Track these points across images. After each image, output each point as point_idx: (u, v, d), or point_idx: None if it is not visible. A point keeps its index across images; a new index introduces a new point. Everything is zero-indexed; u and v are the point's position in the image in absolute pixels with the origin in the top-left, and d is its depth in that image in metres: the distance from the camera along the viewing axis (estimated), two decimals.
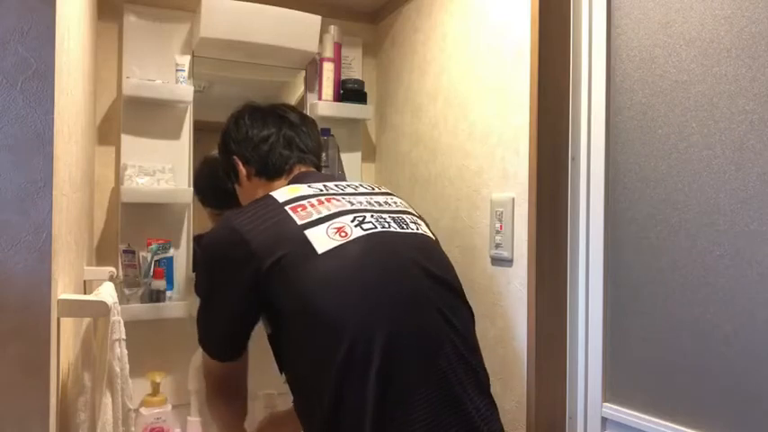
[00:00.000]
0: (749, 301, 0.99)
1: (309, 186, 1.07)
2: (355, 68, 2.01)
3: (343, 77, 1.91)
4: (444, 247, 1.13)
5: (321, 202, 1.02)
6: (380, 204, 1.08)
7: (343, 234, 0.97)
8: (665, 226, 1.12)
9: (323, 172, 1.32)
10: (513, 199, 1.35)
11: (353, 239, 0.97)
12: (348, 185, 1.11)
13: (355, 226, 0.99)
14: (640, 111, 1.18)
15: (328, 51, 1.87)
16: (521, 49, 1.34)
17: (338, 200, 1.04)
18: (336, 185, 1.10)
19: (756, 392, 0.98)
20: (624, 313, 1.21)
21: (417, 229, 1.07)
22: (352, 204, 1.04)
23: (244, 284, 0.98)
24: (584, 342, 1.29)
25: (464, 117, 1.55)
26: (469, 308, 1.07)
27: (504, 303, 1.38)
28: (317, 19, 1.75)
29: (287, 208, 1.00)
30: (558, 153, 1.30)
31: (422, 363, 0.92)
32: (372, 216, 1.03)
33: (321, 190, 1.07)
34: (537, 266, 1.28)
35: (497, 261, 1.41)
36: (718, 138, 1.04)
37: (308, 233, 0.96)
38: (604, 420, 1.24)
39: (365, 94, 1.94)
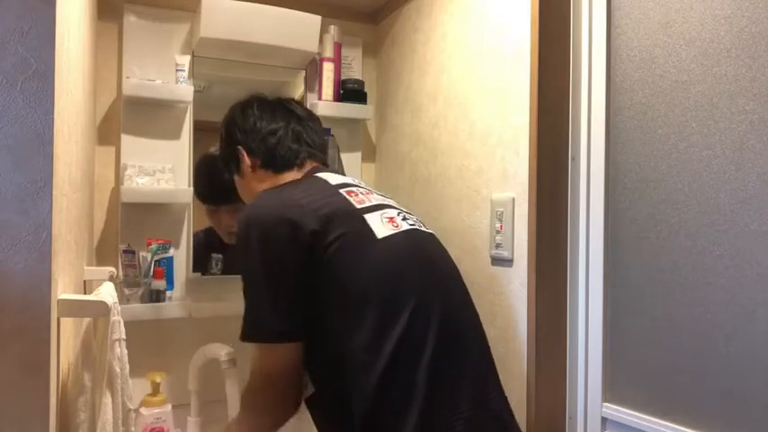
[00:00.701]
0: (749, 301, 0.99)
1: (346, 177, 1.13)
2: (355, 68, 2.01)
3: (343, 77, 1.91)
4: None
5: (367, 193, 1.09)
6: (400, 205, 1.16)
7: (394, 225, 1.03)
8: (665, 226, 1.12)
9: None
10: (513, 199, 1.35)
11: (404, 231, 1.03)
12: (367, 186, 1.17)
13: (402, 219, 1.06)
14: (640, 111, 1.18)
15: (328, 51, 1.87)
16: (521, 49, 1.34)
17: (376, 195, 1.11)
18: (361, 182, 1.16)
19: (756, 392, 0.98)
20: (624, 313, 1.21)
21: (429, 230, 1.14)
22: (388, 200, 1.11)
23: (305, 252, 0.95)
24: (584, 342, 1.29)
25: (464, 117, 1.55)
26: None
27: (504, 303, 1.38)
28: (317, 19, 1.75)
29: (342, 191, 1.05)
30: (558, 153, 1.30)
31: (468, 342, 1.01)
32: (409, 214, 1.11)
33: (359, 183, 1.13)
34: (537, 266, 1.28)
35: (497, 261, 1.41)
36: (718, 138, 1.04)
37: (367, 217, 1.01)
38: (604, 420, 1.24)
39: (365, 94, 1.94)
